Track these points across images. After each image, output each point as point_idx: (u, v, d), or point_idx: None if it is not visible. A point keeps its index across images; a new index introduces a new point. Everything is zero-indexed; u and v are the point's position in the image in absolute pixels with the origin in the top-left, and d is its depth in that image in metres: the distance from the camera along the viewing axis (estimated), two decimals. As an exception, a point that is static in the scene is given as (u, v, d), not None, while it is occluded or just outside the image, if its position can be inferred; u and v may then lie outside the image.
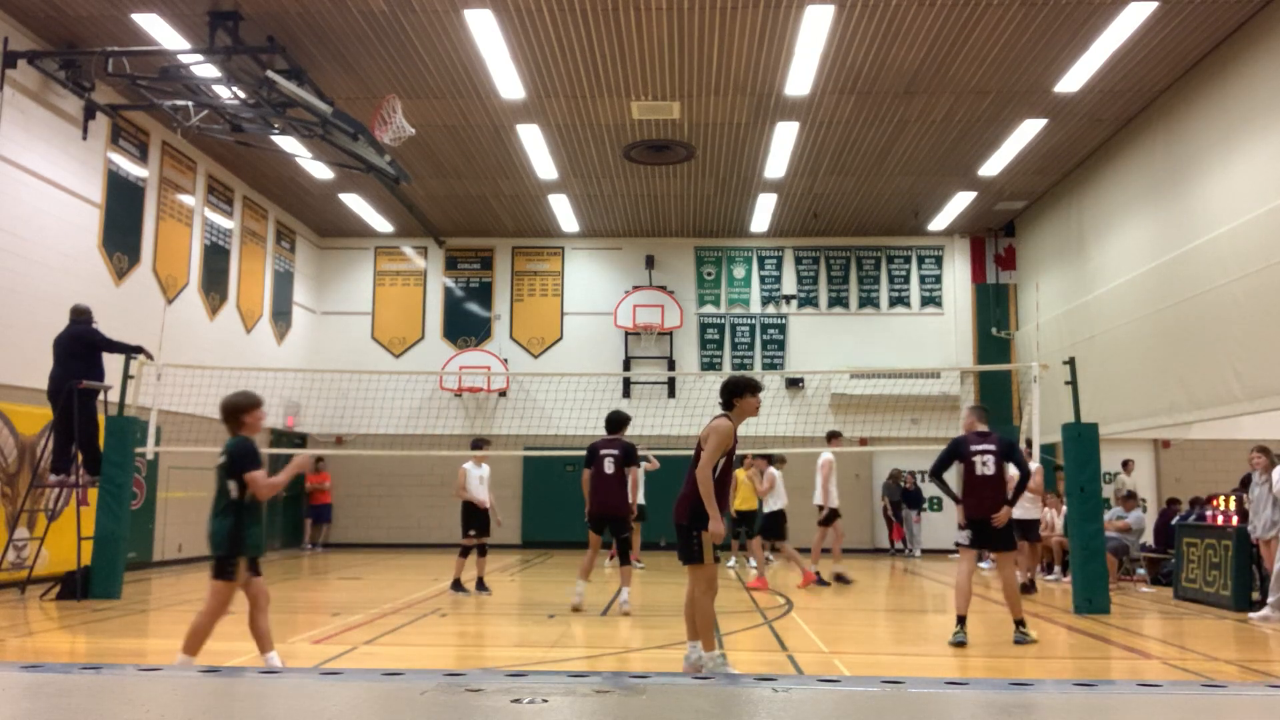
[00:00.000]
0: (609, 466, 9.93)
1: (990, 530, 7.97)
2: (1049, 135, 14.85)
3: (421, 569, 14.85)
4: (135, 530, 12.47)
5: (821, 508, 12.95)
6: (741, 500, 14.98)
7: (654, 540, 17.15)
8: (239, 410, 5.96)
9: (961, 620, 7.96)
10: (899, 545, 19.01)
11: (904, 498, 18.99)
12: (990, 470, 8.03)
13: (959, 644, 7.79)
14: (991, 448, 8.08)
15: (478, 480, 11.29)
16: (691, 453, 6.47)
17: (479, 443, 11.80)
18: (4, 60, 11.22)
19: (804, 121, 14.33)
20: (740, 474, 15.00)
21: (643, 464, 13.17)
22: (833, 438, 13.31)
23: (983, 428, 8.28)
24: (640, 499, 14.77)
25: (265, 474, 5.87)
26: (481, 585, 11.27)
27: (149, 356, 11.07)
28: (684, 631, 6.32)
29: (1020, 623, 8.03)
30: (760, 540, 13.19)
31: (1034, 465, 11.40)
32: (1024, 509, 11.91)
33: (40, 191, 11.96)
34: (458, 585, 11.19)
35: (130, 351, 10.88)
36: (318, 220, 19.70)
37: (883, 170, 16.45)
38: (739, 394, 6.52)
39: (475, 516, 11.26)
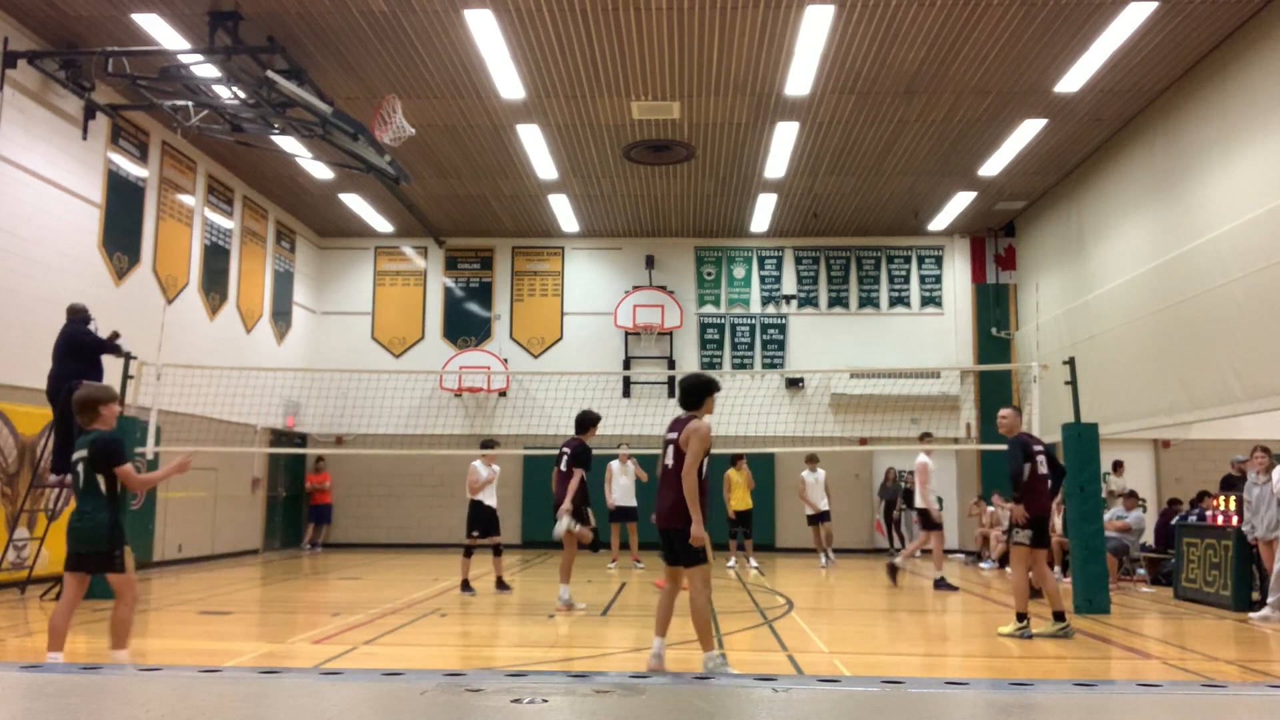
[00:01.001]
0: (562, 465, 10.05)
1: (1046, 528, 8.33)
2: (1049, 135, 14.85)
3: (421, 569, 14.86)
4: (135, 530, 12.44)
5: (924, 511, 12.69)
6: (738, 500, 14.98)
7: (654, 540, 17.15)
8: (96, 403, 5.91)
9: (1023, 616, 8.28)
10: (897, 545, 18.98)
11: (904, 497, 18.97)
12: (1045, 469, 8.39)
13: (1028, 637, 8.15)
14: (1042, 447, 8.57)
15: (484, 478, 11.29)
16: (660, 452, 6.55)
17: (489, 443, 11.81)
18: (4, 60, 11.22)
19: (804, 121, 14.33)
20: (734, 474, 15.02)
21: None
22: (925, 438, 13.12)
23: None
24: (631, 501, 14.77)
25: (133, 468, 5.93)
26: (501, 584, 11.31)
27: (126, 354, 11.00)
28: (685, 631, 6.29)
29: (1059, 615, 8.32)
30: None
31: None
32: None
33: (40, 191, 11.96)
34: (466, 585, 11.19)
35: (114, 351, 10.83)
36: (318, 220, 19.70)
37: (883, 170, 16.45)
38: (709, 393, 6.55)
39: (480, 517, 11.24)
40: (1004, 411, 8.81)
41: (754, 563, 15.32)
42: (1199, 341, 12.40)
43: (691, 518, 6.17)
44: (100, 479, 5.79)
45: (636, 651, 7.53)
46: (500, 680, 1.28)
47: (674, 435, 6.35)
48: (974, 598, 11.85)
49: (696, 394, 6.50)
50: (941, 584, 12.21)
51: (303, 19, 11.41)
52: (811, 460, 15.51)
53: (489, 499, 11.23)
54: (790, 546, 19.00)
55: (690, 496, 6.19)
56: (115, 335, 10.83)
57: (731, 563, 15.32)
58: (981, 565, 16.58)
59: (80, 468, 5.83)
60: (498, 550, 11.44)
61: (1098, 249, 15.77)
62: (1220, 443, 17.14)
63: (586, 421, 10.02)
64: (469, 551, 11.36)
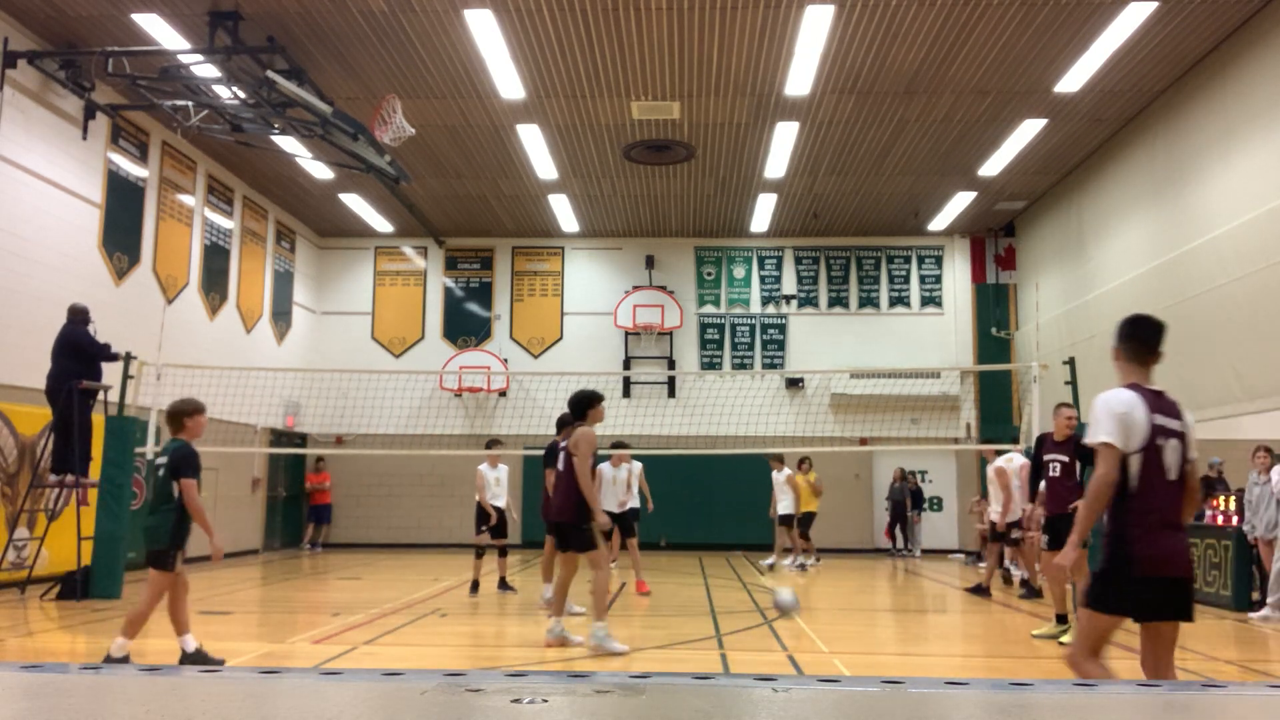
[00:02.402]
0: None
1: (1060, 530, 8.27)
2: (1049, 135, 14.85)
3: (421, 569, 14.86)
4: (135, 530, 12.46)
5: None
6: (805, 503, 15.17)
7: (654, 541, 17.17)
8: (182, 414, 6.48)
9: (1062, 618, 8.24)
10: (900, 546, 18.97)
11: (913, 498, 18.94)
12: (1058, 472, 8.36)
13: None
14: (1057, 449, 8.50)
15: (494, 482, 11.13)
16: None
17: (492, 443, 11.78)
18: (4, 60, 11.22)
19: (804, 121, 14.33)
20: (800, 479, 15.18)
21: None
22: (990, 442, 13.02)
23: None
24: (634, 502, 14.60)
25: (197, 486, 6.41)
26: (504, 584, 11.28)
27: (115, 357, 10.99)
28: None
29: (1062, 618, 8.31)
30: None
31: (1020, 462, 11.19)
32: (994, 510, 11.69)
33: (40, 191, 11.96)
34: (475, 587, 11.17)
35: (108, 358, 10.80)
36: (318, 220, 19.70)
37: (883, 170, 16.45)
38: (591, 405, 7.55)
39: (486, 517, 11.19)
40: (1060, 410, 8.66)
41: (813, 560, 15.70)
42: (1199, 341, 12.39)
43: (587, 511, 7.27)
44: (175, 485, 6.37)
45: (636, 651, 7.53)
46: (500, 680, 1.28)
47: (564, 443, 7.49)
48: (974, 598, 11.84)
49: (581, 406, 7.54)
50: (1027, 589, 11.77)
51: (303, 19, 11.41)
52: (776, 460, 15.32)
53: (496, 500, 11.12)
54: (790, 546, 18.96)
55: (586, 492, 7.29)
56: (110, 353, 10.83)
57: (789, 561, 15.39)
58: (980, 565, 16.58)
59: (161, 472, 6.45)
60: (503, 551, 11.42)
61: (1098, 249, 15.77)
62: (1220, 443, 17.13)
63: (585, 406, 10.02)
64: (480, 552, 11.34)
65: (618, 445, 12.28)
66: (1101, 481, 3.90)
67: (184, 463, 6.35)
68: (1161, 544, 3.88)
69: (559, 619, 7.56)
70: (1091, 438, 3.91)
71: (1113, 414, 3.88)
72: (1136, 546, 3.88)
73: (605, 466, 11.75)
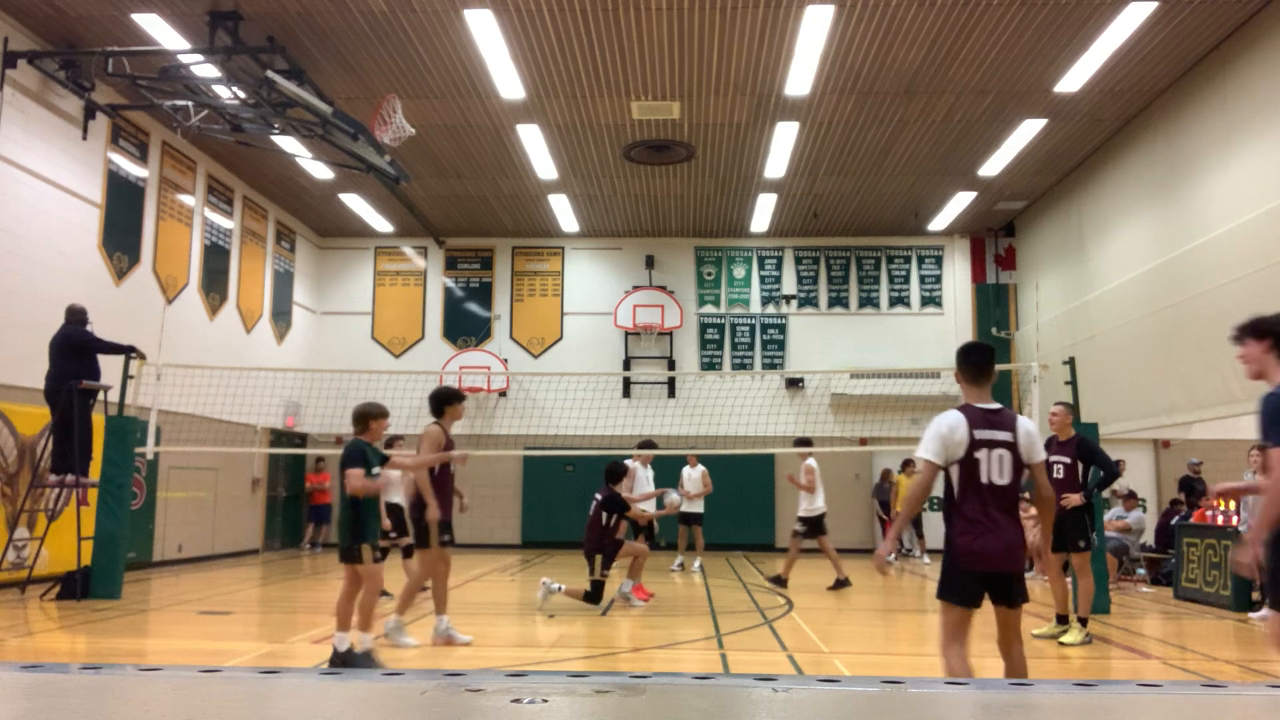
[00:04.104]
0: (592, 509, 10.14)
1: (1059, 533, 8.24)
2: (1049, 135, 14.85)
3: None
4: (135, 530, 12.47)
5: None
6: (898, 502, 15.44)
7: (654, 541, 17.14)
8: (366, 417, 6.80)
9: (1082, 621, 8.21)
10: (905, 547, 18.91)
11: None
12: (1060, 474, 8.36)
13: (1088, 642, 8.09)
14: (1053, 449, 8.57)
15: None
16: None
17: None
18: (4, 60, 11.22)
19: (804, 121, 14.33)
20: (904, 479, 15.20)
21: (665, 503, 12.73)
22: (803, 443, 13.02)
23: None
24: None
25: (360, 474, 6.53)
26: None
27: (141, 356, 11.01)
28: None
29: (1062, 618, 8.35)
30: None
31: None
32: None
33: (40, 191, 11.96)
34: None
35: (124, 352, 10.85)
36: (318, 220, 19.70)
37: (883, 170, 16.45)
38: (449, 403, 7.73)
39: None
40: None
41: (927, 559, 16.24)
42: (1199, 341, 12.39)
43: (427, 504, 7.38)
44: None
45: (637, 651, 7.53)
46: (500, 680, 1.28)
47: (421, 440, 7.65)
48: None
49: (437, 404, 7.73)
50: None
51: (303, 19, 11.41)
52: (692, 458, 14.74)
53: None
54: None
55: (422, 485, 7.44)
56: (131, 348, 10.85)
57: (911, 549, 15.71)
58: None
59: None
60: (407, 552, 10.74)
61: (1098, 249, 15.77)
62: (1220, 443, 17.15)
63: (619, 472, 10.22)
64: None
65: (645, 445, 12.22)
66: (914, 488, 4.56)
67: (346, 456, 6.55)
68: (980, 542, 4.37)
69: (443, 616, 7.69)
70: (917, 452, 4.54)
71: (937, 434, 4.48)
72: (959, 544, 4.42)
73: (638, 466, 11.79)
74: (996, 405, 4.55)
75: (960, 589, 4.47)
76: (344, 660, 6.51)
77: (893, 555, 17.96)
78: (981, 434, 4.40)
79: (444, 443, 7.66)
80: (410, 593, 7.76)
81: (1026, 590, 4.62)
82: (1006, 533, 4.39)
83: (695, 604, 10.76)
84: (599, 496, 10.02)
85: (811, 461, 12.39)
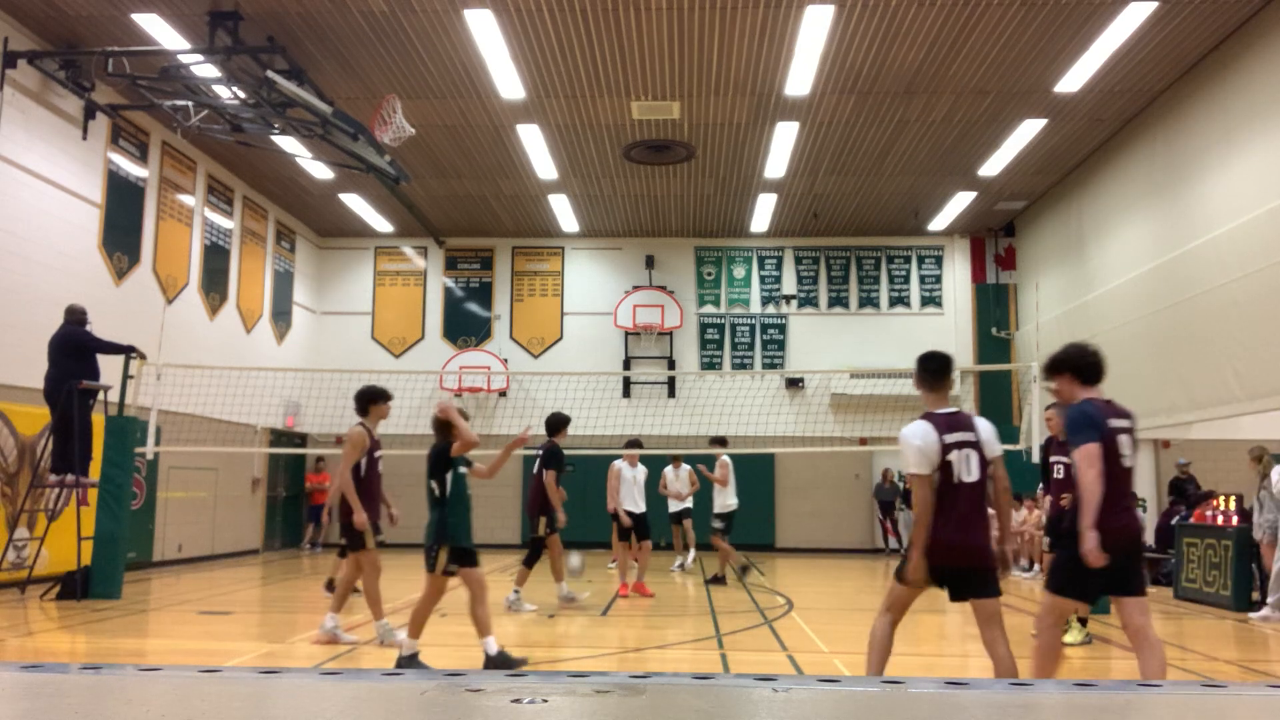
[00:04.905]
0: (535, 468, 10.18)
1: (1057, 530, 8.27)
2: (1049, 135, 14.85)
3: (421, 569, 14.82)
4: (135, 530, 12.47)
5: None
6: None
7: (654, 541, 17.13)
8: (449, 425, 6.69)
9: (1082, 621, 8.24)
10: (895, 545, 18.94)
11: (903, 499, 18.96)
12: (1061, 474, 8.37)
13: (1088, 642, 8.15)
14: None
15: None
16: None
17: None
18: (4, 60, 11.22)
19: (804, 121, 14.33)
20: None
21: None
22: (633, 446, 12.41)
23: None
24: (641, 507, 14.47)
25: (467, 438, 6.54)
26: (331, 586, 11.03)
27: (142, 356, 11.01)
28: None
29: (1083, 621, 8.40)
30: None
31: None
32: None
33: (40, 191, 11.96)
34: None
35: (124, 352, 10.85)
36: (318, 220, 19.70)
37: (883, 170, 16.45)
38: (373, 401, 7.78)
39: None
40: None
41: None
42: (1199, 341, 12.39)
43: (352, 508, 7.34)
44: (433, 484, 6.61)
45: (637, 651, 7.53)
46: (500, 680, 1.28)
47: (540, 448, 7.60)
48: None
49: (361, 403, 7.77)
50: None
51: (303, 19, 11.41)
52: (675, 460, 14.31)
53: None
54: (790, 546, 19.00)
55: (347, 491, 7.41)
56: (131, 348, 10.84)
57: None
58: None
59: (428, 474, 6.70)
60: (342, 552, 11.02)
61: (1098, 249, 15.77)
62: (1220, 443, 17.15)
63: (556, 423, 10.32)
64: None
65: (632, 444, 12.18)
66: (922, 505, 4.71)
67: (434, 460, 6.59)
68: (955, 538, 4.66)
69: (383, 621, 7.72)
70: (904, 469, 4.82)
71: (912, 447, 4.70)
72: (934, 538, 4.68)
73: (624, 466, 11.71)
74: (954, 409, 4.86)
75: (935, 576, 4.74)
76: (496, 663, 6.49)
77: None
78: (949, 438, 4.69)
79: (368, 444, 7.65)
80: (374, 595, 7.78)
81: (999, 584, 4.78)
82: (977, 530, 4.70)
83: (695, 604, 10.77)
84: (539, 451, 10.15)
85: (726, 458, 12.49)
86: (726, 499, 12.35)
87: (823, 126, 14.55)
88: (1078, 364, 5.01)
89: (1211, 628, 9.29)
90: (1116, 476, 4.74)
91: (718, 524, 12.43)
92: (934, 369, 4.93)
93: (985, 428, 4.84)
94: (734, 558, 12.68)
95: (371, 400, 7.79)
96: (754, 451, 17.20)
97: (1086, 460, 4.66)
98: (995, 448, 4.82)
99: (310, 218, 19.55)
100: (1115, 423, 4.81)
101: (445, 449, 6.61)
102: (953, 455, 4.67)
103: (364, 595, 7.70)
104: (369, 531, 7.56)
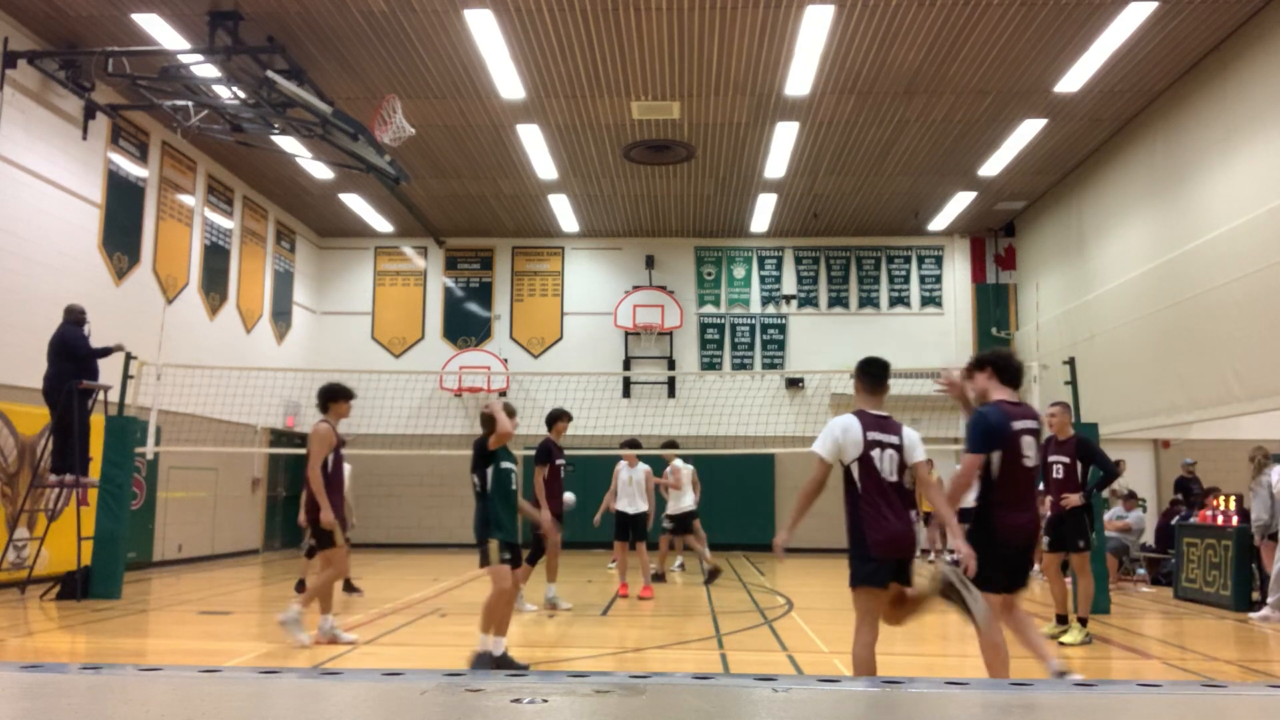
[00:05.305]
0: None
1: (1059, 531, 8.23)
2: (1049, 135, 14.85)
3: (421, 569, 14.85)
4: (135, 530, 12.47)
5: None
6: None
7: (653, 541, 17.13)
8: (493, 420, 6.69)
9: (1082, 621, 8.18)
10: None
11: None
12: (1060, 474, 8.30)
13: (1089, 642, 8.06)
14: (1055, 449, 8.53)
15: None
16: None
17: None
18: (4, 60, 11.22)
19: (804, 121, 14.33)
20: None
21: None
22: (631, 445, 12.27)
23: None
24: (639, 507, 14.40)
25: (501, 429, 6.59)
26: (349, 585, 11.06)
27: (119, 349, 10.94)
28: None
29: (1061, 619, 8.35)
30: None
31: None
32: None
33: (40, 191, 11.96)
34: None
35: (108, 354, 10.79)
36: (318, 220, 19.70)
37: (883, 170, 16.45)
38: (334, 399, 7.73)
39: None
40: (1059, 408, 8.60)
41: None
42: (1199, 341, 12.39)
43: (320, 507, 7.35)
44: (475, 479, 6.61)
45: (637, 651, 7.53)
46: (500, 680, 1.28)
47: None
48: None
49: (322, 399, 7.74)
50: None
51: (303, 19, 11.41)
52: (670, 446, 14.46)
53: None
54: (790, 546, 18.93)
55: (316, 489, 7.41)
56: (110, 349, 10.76)
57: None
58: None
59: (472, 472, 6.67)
60: (310, 553, 11.16)
61: (1098, 249, 15.77)
62: (1220, 443, 17.16)
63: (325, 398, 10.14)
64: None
65: (629, 445, 12.15)
66: (809, 483, 5.02)
67: (475, 454, 6.59)
68: (888, 532, 4.86)
69: (328, 615, 7.70)
70: (813, 447, 5.03)
71: (831, 434, 4.96)
72: (872, 536, 4.86)
73: (622, 466, 11.71)
74: (887, 414, 5.11)
75: (877, 576, 4.90)
76: (497, 663, 6.48)
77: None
78: (873, 435, 4.93)
79: (334, 441, 7.63)
80: (321, 592, 7.74)
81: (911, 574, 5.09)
82: (904, 522, 4.95)
83: (695, 604, 10.77)
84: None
85: (678, 463, 12.56)
86: (680, 501, 12.39)
87: (823, 126, 14.55)
88: (1002, 364, 5.40)
89: (1211, 628, 9.29)
90: (1018, 477, 5.09)
91: (667, 524, 12.49)
92: (874, 373, 5.18)
93: (910, 435, 5.06)
94: (668, 558, 12.68)
95: (333, 398, 7.73)
96: (754, 451, 17.20)
97: (965, 469, 5.09)
98: (916, 454, 5.02)
99: (310, 218, 19.55)
100: (1020, 424, 5.12)
101: (484, 442, 6.65)
102: (875, 452, 4.91)
103: (316, 588, 7.63)
104: (338, 529, 7.54)
